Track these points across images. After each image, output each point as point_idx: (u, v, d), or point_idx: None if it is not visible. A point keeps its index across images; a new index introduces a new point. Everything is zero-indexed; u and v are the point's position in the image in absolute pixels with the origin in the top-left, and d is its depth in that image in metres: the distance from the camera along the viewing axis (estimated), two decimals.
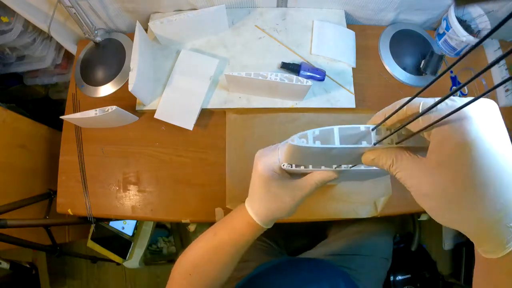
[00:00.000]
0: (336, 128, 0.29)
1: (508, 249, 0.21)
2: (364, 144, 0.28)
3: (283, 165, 0.35)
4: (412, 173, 0.25)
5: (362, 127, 0.28)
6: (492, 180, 0.20)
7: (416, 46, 0.83)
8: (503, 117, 0.31)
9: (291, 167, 0.35)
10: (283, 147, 0.35)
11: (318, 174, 0.34)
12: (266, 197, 0.36)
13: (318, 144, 0.29)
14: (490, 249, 0.22)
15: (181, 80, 0.75)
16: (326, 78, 0.76)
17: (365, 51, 0.81)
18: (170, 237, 1.40)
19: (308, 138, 0.30)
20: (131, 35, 0.79)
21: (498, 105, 0.70)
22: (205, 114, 0.76)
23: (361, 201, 0.70)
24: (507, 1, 0.72)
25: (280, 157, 0.35)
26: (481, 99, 0.22)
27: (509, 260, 0.21)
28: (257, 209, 0.37)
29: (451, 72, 0.83)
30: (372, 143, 0.28)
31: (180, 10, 0.80)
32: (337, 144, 0.28)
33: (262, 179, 0.35)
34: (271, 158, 0.35)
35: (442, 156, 0.22)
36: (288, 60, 0.76)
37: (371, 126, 0.28)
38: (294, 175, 0.38)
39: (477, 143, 0.21)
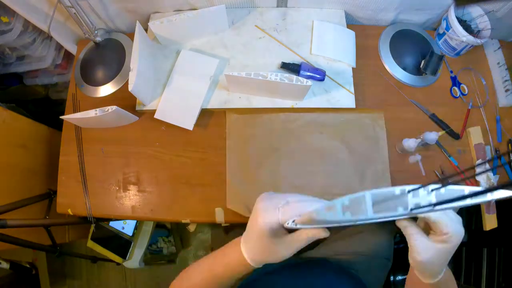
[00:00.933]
0: (368, 195, 0.25)
1: (438, 278, 0.40)
2: (400, 211, 0.25)
3: (287, 223, 0.36)
4: (424, 246, 0.37)
5: (397, 190, 0.26)
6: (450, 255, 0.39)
7: (416, 46, 0.83)
8: (503, 117, 0.61)
9: (295, 225, 0.35)
10: (286, 209, 0.36)
11: (310, 231, 0.37)
12: (263, 249, 0.39)
13: (348, 216, 0.25)
14: (431, 279, 0.40)
15: (181, 80, 0.75)
16: (326, 78, 0.76)
17: (365, 51, 0.81)
18: (170, 237, 1.40)
19: (337, 210, 0.27)
20: (131, 35, 0.79)
21: (498, 105, 0.76)
22: (205, 114, 0.76)
23: None
24: (507, 1, 0.72)
25: (281, 218, 0.36)
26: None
27: (437, 283, 0.41)
28: (253, 256, 0.40)
29: (451, 72, 0.83)
30: (409, 209, 0.25)
31: (180, 10, 0.80)
32: (370, 214, 0.25)
33: (260, 234, 0.38)
34: (271, 217, 0.37)
35: (444, 245, 0.37)
36: (288, 60, 0.76)
37: (408, 188, 0.26)
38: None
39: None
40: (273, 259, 0.40)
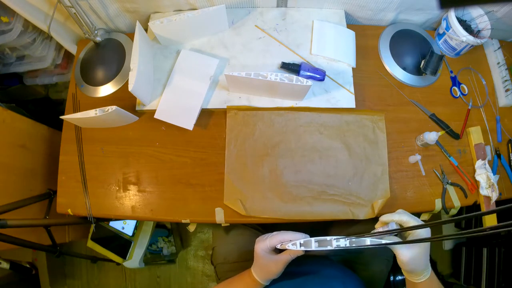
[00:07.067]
0: (313, 240, 0.53)
1: (426, 277, 0.52)
2: (329, 248, 0.52)
3: (277, 246, 0.56)
4: (404, 250, 0.51)
5: (328, 238, 0.52)
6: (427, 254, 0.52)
7: (416, 46, 0.83)
8: (503, 117, 0.76)
9: (280, 245, 0.57)
10: (272, 238, 0.56)
11: (292, 251, 0.55)
12: (261, 267, 0.57)
13: (303, 248, 0.53)
14: (421, 278, 0.52)
15: (181, 80, 0.75)
16: (326, 78, 0.76)
17: (365, 51, 0.82)
18: (170, 237, 1.40)
19: (297, 245, 0.53)
20: (131, 35, 0.79)
21: (498, 105, 0.78)
22: (205, 114, 0.76)
23: (359, 202, 0.70)
24: (495, 5, 0.72)
25: (268, 244, 0.56)
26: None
27: (425, 282, 0.52)
28: (258, 274, 0.58)
29: (451, 72, 0.83)
30: (334, 246, 0.52)
31: (180, 10, 0.80)
32: (314, 247, 0.53)
33: (258, 257, 0.57)
34: (263, 245, 0.56)
35: (417, 247, 0.50)
36: (288, 60, 0.76)
37: (333, 237, 0.52)
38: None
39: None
40: (270, 274, 0.56)
